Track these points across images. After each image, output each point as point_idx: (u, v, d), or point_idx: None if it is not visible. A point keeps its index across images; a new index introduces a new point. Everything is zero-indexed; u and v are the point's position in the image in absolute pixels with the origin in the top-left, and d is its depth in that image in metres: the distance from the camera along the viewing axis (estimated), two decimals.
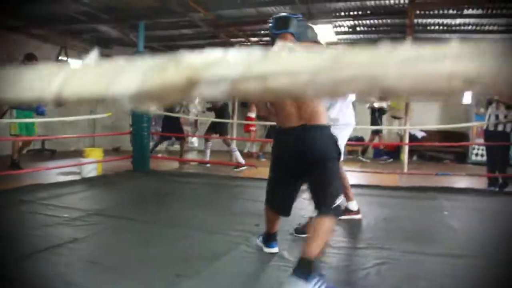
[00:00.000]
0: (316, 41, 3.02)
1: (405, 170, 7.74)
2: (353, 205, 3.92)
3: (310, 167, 2.43)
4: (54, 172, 6.26)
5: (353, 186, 5.86)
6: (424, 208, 4.64)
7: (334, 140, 2.47)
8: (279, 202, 2.67)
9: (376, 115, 8.91)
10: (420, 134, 9.71)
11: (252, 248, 3.03)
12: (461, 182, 6.31)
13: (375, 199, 5.08)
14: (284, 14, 2.72)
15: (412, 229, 3.71)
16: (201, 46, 10.70)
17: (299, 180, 2.57)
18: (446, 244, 3.27)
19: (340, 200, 2.42)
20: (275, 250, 2.95)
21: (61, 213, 3.91)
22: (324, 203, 2.36)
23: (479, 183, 6.03)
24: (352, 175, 6.72)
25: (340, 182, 2.65)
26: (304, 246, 2.24)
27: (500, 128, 5.58)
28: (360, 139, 10.55)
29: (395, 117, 9.44)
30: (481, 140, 8.74)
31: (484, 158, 8.57)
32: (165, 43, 10.24)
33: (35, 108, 6.28)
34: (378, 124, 8.76)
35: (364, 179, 6.58)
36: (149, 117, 6.95)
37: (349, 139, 4.00)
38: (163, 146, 11.37)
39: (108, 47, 10.41)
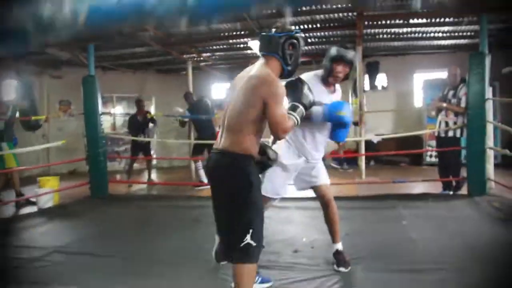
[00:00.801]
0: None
1: (363, 177, 7.93)
2: None
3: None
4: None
5: (311, 199, 6.05)
6: (384, 219, 4.74)
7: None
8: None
9: None
10: (375, 139, 9.92)
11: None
12: (418, 187, 6.51)
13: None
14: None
15: (374, 244, 3.80)
16: (153, 64, 10.60)
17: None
18: (410, 258, 3.38)
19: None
20: (270, 284, 2.95)
21: (19, 253, 3.76)
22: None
23: (435, 186, 6.24)
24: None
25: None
26: None
27: (450, 134, 5.79)
28: None
29: (353, 123, 9.55)
30: (434, 142, 9.07)
31: (437, 159, 8.94)
32: (117, 62, 10.05)
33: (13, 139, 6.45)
34: None
35: None
36: (104, 140, 6.79)
37: None
38: (121, 165, 11.16)
39: (58, 68, 10.14)
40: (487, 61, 5.50)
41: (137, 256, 3.67)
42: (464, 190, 5.81)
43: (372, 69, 10.19)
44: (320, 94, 3.01)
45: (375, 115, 9.27)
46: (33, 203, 5.99)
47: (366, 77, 9.95)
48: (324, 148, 3.33)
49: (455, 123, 5.76)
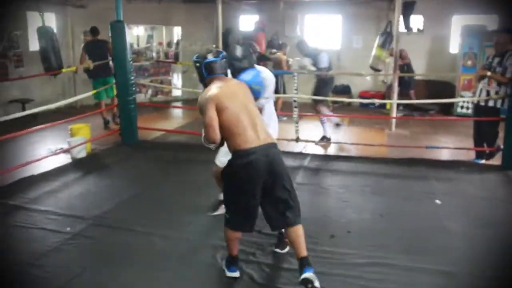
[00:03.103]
0: None
1: (393, 129, 7.87)
2: None
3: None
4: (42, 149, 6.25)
5: (342, 158, 6.09)
6: (416, 195, 4.72)
7: None
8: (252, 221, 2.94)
9: None
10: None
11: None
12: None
13: (367, 181, 5.18)
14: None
15: (404, 232, 3.83)
16: None
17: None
18: (442, 256, 3.41)
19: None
20: (236, 274, 3.07)
21: (61, 226, 3.88)
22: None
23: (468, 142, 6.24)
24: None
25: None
26: None
27: (491, 103, 5.61)
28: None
29: (374, 69, 9.19)
30: (467, 93, 8.83)
31: (469, 111, 8.75)
32: None
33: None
34: None
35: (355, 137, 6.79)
36: (134, 88, 6.72)
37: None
38: (146, 96, 11.18)
39: None
40: None
41: (172, 226, 3.75)
42: (497, 160, 5.75)
43: (407, 9, 9.60)
44: None
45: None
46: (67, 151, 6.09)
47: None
48: None
49: (497, 92, 5.55)
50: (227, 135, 2.77)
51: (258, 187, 2.78)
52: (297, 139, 6.53)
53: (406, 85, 9.05)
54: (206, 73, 2.97)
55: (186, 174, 5.43)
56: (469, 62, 8.86)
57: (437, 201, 4.53)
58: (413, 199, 4.65)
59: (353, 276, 3.10)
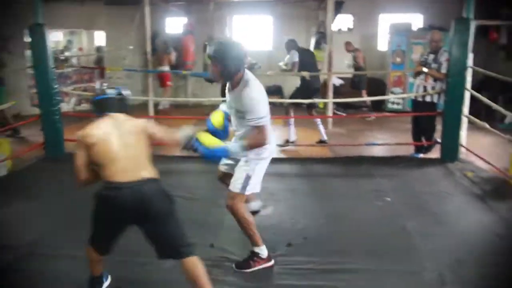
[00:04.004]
0: None
1: (330, 127, 7.89)
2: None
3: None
4: None
5: (286, 160, 5.94)
6: (364, 194, 4.69)
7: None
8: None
9: None
10: (338, 82, 9.75)
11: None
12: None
13: (315, 183, 5.09)
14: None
15: (362, 234, 3.74)
16: None
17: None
18: (405, 257, 3.35)
19: None
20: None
21: None
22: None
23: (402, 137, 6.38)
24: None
25: None
26: None
27: (428, 98, 5.73)
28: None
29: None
30: (397, 89, 9.10)
31: (400, 106, 9.02)
32: None
33: None
34: None
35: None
36: (58, 96, 6.16)
37: None
38: (69, 105, 10.47)
39: None
40: (472, 27, 5.33)
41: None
42: (435, 154, 5.90)
43: (336, 9, 9.75)
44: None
45: (338, 58, 9.05)
46: None
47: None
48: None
49: (433, 88, 5.68)
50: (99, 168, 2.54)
51: (120, 223, 2.57)
52: None
53: (357, 85, 9.11)
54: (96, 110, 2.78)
55: None
56: (398, 59, 9.13)
57: (387, 199, 4.52)
58: (364, 198, 4.60)
59: (321, 286, 2.94)
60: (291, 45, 6.89)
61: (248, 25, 11.29)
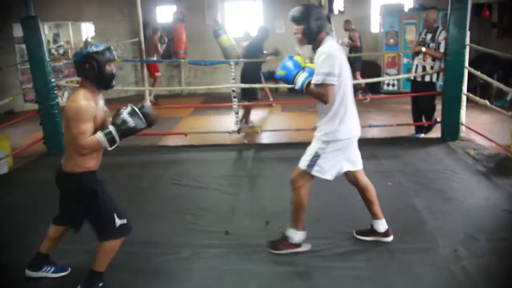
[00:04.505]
0: None
1: None
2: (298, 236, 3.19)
3: None
4: None
5: (288, 146, 5.95)
6: (373, 176, 4.62)
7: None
8: None
9: None
10: None
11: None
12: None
13: None
14: None
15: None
16: None
17: None
18: (418, 235, 3.40)
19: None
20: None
21: None
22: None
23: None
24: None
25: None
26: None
27: (427, 78, 5.77)
28: None
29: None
30: (392, 71, 9.13)
31: (395, 88, 9.05)
32: None
33: None
34: None
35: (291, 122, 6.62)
36: (56, 90, 6.09)
37: None
38: (63, 100, 10.32)
39: None
40: (469, 5, 5.35)
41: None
42: (436, 133, 5.96)
43: None
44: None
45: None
46: None
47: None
48: (323, 118, 3.01)
49: (432, 67, 5.72)
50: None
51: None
52: (239, 131, 6.29)
53: (352, 66, 9.07)
54: None
55: (129, 179, 4.97)
56: (391, 41, 9.14)
57: (389, 183, 4.53)
58: (370, 179, 4.61)
59: (342, 267, 2.99)
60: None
61: (239, 11, 11.21)
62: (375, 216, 3.26)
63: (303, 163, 3.01)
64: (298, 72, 2.92)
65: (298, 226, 3.12)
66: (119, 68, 10.67)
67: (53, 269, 2.97)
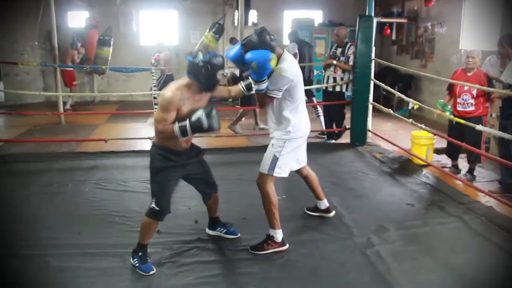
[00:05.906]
0: None
1: (243, 119, 8.16)
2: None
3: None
4: None
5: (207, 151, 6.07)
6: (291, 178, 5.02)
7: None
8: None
9: None
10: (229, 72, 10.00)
11: None
12: None
13: (241, 171, 5.31)
14: None
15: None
16: None
17: None
18: (335, 227, 3.75)
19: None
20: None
21: None
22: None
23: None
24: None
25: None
26: None
27: (337, 88, 6.29)
28: None
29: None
30: None
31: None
32: None
33: None
34: None
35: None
36: None
37: None
38: None
39: None
40: (374, 23, 5.95)
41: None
42: (345, 139, 6.50)
43: (245, 5, 10.08)
44: None
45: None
46: None
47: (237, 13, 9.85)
48: (277, 123, 3.34)
49: (341, 79, 6.24)
50: None
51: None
52: None
53: None
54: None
55: (52, 186, 4.81)
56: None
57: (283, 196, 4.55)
58: (286, 180, 4.91)
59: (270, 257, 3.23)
60: (293, 36, 7.28)
61: (155, 20, 11.22)
62: (318, 197, 3.89)
63: (264, 168, 3.31)
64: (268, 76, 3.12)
65: (275, 225, 3.33)
66: (25, 73, 10.20)
67: (225, 230, 3.51)
